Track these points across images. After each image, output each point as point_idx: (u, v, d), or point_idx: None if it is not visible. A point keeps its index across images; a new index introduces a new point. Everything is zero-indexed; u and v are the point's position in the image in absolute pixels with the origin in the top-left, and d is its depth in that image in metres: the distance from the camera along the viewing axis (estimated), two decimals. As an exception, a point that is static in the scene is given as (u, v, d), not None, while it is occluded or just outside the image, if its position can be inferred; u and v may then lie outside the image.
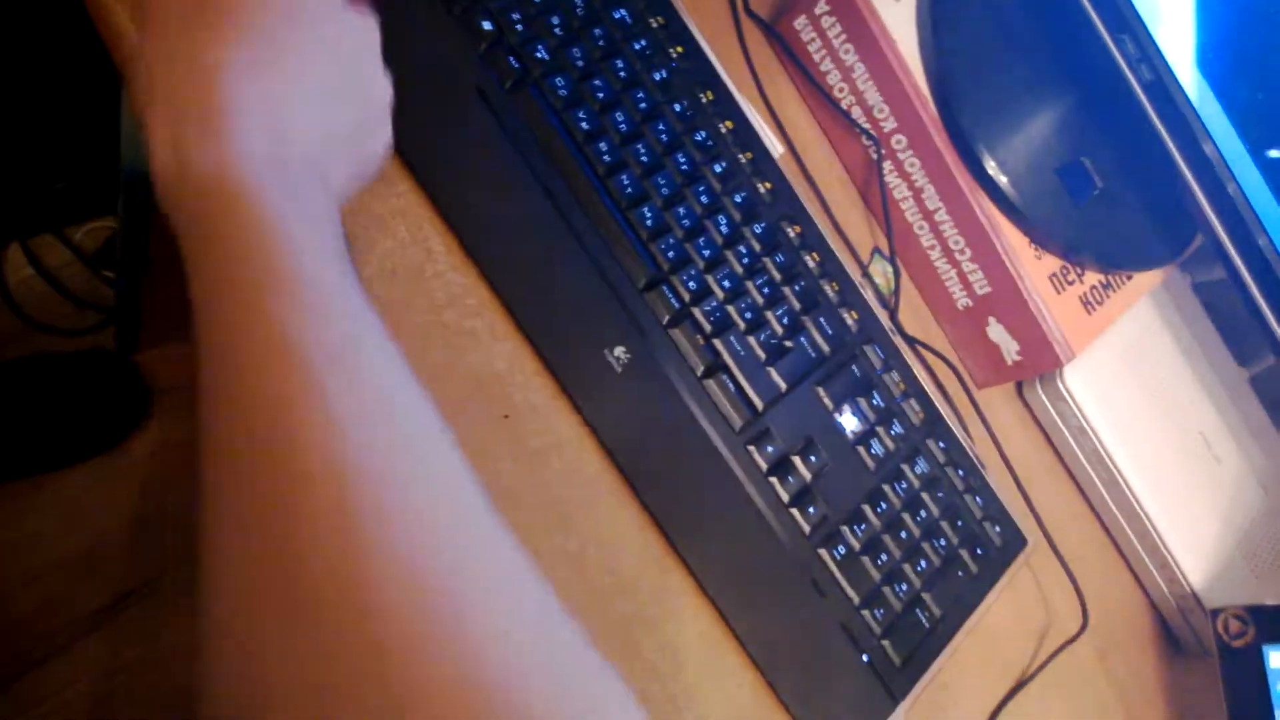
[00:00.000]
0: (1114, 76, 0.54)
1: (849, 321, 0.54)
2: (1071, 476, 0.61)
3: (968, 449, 0.55)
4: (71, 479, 1.00)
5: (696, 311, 0.49)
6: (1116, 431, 0.59)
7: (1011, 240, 0.55)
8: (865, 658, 0.48)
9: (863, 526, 0.50)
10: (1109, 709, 0.57)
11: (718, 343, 0.49)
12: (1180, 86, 0.54)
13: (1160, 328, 0.64)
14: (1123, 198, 0.58)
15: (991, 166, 0.55)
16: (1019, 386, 0.61)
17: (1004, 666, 0.54)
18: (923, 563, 0.51)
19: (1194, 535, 0.60)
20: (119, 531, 1.01)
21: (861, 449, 0.52)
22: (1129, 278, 0.59)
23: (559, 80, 0.50)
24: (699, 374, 0.49)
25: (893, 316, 0.57)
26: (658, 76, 0.53)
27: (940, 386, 0.57)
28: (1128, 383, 0.61)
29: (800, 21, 0.57)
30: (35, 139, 0.84)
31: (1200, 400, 0.64)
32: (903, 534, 0.51)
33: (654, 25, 0.54)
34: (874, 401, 0.53)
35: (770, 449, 0.49)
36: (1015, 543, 0.55)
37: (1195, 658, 0.60)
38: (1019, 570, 0.55)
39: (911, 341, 0.57)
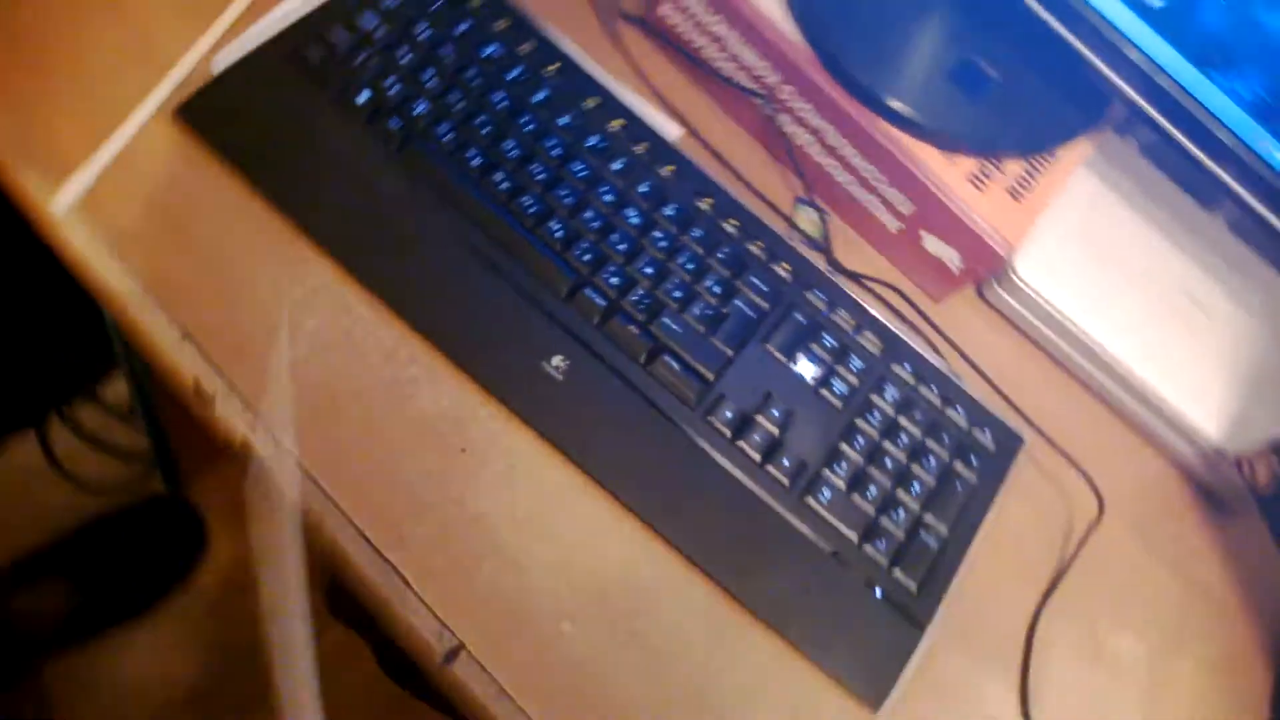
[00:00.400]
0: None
1: (783, 274, 0.54)
2: (1060, 365, 0.60)
3: (937, 364, 0.55)
4: (158, 622, 1.06)
5: (625, 304, 0.50)
6: (1088, 308, 0.58)
7: (920, 154, 0.55)
8: (879, 592, 0.48)
9: (843, 464, 0.50)
10: (1161, 583, 0.56)
11: (653, 327, 0.50)
12: (1042, -41, 0.54)
13: (1112, 198, 0.63)
14: (1018, 82, 0.58)
15: (880, 92, 0.55)
16: (980, 293, 0.60)
17: (1034, 569, 0.53)
18: (916, 485, 0.51)
19: (1201, 390, 0.58)
20: (213, 661, 1.06)
21: (825, 391, 0.52)
22: (1051, 157, 0.58)
23: (442, 128, 0.52)
24: (642, 361, 0.50)
25: (829, 258, 0.57)
26: (538, 98, 0.54)
27: (896, 312, 0.57)
28: (1088, 258, 0.60)
29: (665, 9, 0.59)
30: (29, 314, 0.89)
31: (1173, 257, 0.62)
32: (887, 462, 0.51)
33: (524, 51, 0.56)
34: (826, 343, 0.53)
35: (729, 414, 0.49)
36: (1010, 443, 0.54)
37: (1238, 511, 0.59)
38: (1025, 471, 0.55)
39: (854, 276, 0.57)
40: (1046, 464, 0.56)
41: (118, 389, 1.11)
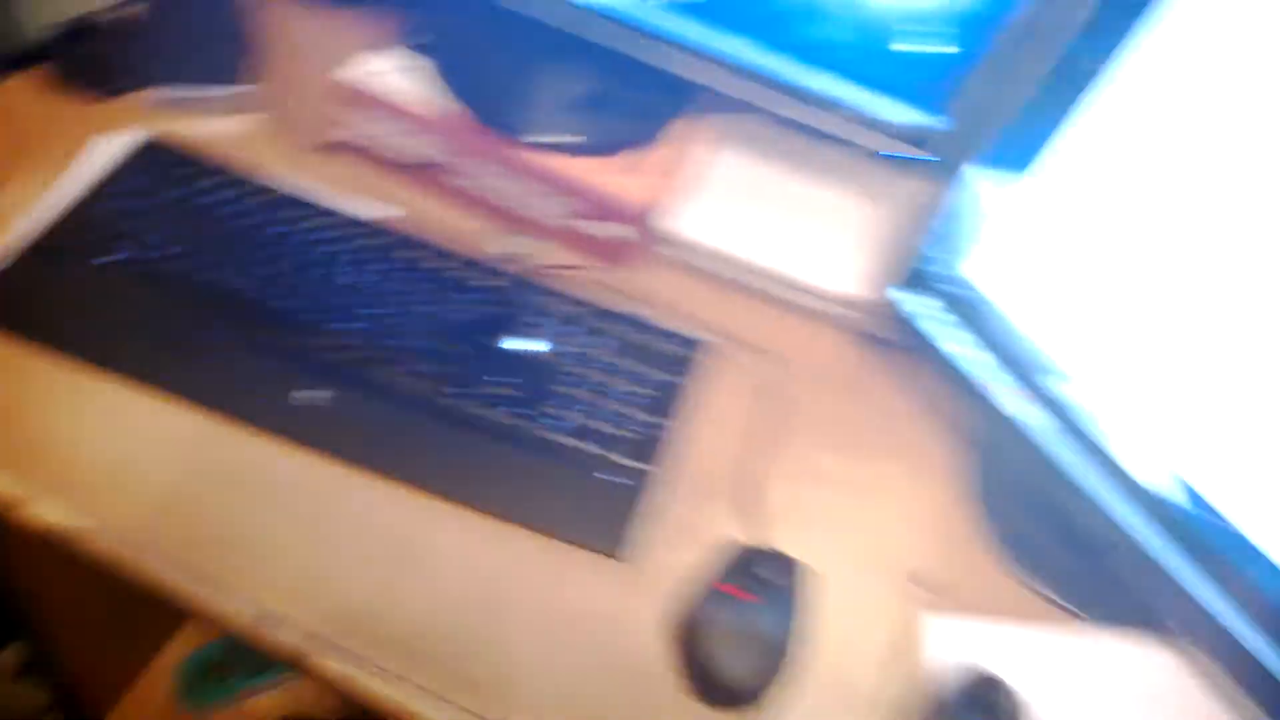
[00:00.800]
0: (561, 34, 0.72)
1: (494, 285, 0.69)
2: (733, 285, 0.75)
3: (623, 310, 0.70)
4: None
5: (365, 339, 0.65)
6: (738, 238, 0.73)
7: (571, 168, 0.72)
8: (605, 474, 0.61)
9: (557, 395, 0.64)
10: (852, 412, 0.69)
11: (390, 349, 0.64)
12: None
13: (753, 157, 0.79)
14: (622, 91, 0.76)
15: (530, 134, 0.72)
16: (657, 252, 0.76)
17: (743, 429, 0.67)
18: (619, 393, 0.65)
19: (841, 267, 0.74)
20: None
21: (539, 353, 0.66)
22: (671, 138, 0.75)
23: (195, 262, 0.67)
24: (388, 374, 0.63)
25: (529, 263, 0.72)
26: (263, 219, 0.70)
27: (598, 284, 0.72)
28: (733, 201, 0.76)
29: (347, 129, 0.76)
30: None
31: (806, 182, 0.79)
32: (588, 385, 0.65)
33: (248, 191, 0.71)
34: (534, 321, 0.68)
35: (464, 390, 0.63)
36: (695, 347, 0.69)
37: (896, 344, 0.72)
38: (722, 366, 0.69)
39: (551, 269, 0.72)
40: (740, 358, 0.70)
41: (13, 652, 1.15)
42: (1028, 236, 0.60)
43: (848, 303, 0.73)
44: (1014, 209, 0.60)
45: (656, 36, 0.70)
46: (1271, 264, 0.49)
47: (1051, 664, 0.61)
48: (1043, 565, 0.65)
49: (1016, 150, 0.60)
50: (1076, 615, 0.63)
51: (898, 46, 0.65)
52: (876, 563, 0.63)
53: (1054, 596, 0.64)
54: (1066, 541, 0.65)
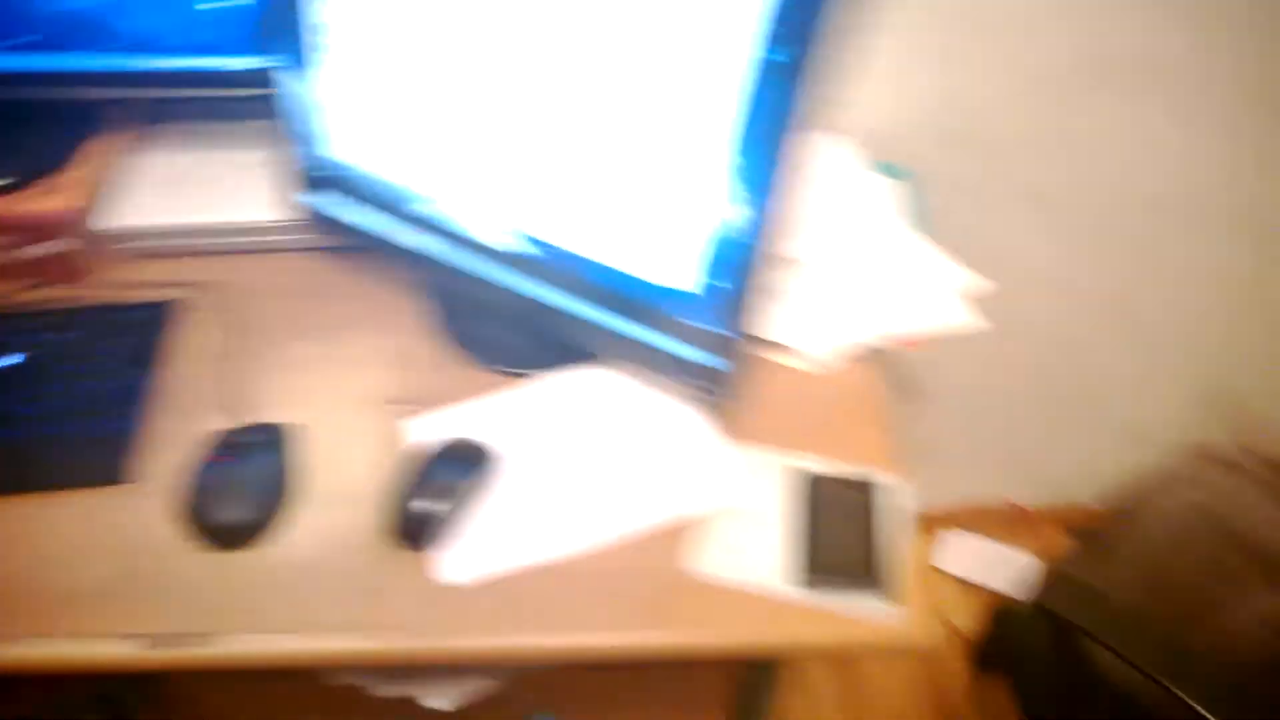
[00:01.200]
0: None
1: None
2: (194, 251, 0.86)
3: (86, 304, 0.79)
4: None
5: None
6: (179, 211, 0.85)
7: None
8: (95, 427, 0.71)
9: (41, 387, 0.73)
10: (335, 310, 0.83)
11: None
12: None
13: (170, 149, 0.91)
14: (20, 131, 0.85)
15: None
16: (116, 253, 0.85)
17: (228, 355, 0.78)
18: (94, 365, 0.75)
19: (274, 198, 0.87)
20: None
21: (13, 364, 0.74)
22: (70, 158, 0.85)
23: None
24: None
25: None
26: None
27: (57, 295, 0.81)
28: (167, 186, 0.87)
29: None
30: None
31: (225, 151, 0.91)
32: (67, 369, 0.75)
33: None
34: (2, 342, 0.76)
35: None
36: (158, 308, 0.80)
37: (360, 250, 0.87)
38: (191, 316, 0.80)
39: (12, 300, 0.80)
40: (205, 301, 0.81)
41: None
42: (347, 104, 0.75)
43: (282, 227, 0.86)
44: (325, 87, 0.74)
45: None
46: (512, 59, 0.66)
47: (513, 414, 0.77)
48: (494, 351, 0.81)
49: (299, 46, 0.74)
50: (526, 375, 0.80)
51: (202, 7, 0.78)
52: (357, 403, 0.77)
53: (507, 369, 0.80)
54: (502, 325, 0.82)
